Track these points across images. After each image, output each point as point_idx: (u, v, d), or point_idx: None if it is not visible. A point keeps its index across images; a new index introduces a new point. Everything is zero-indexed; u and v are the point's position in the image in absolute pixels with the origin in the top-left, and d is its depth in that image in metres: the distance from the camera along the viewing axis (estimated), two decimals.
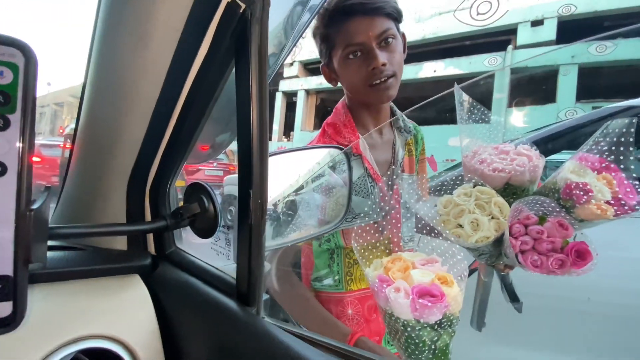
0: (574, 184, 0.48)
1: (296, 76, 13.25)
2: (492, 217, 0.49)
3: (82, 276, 0.44)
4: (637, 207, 0.47)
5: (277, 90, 13.35)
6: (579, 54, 8.78)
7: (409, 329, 0.40)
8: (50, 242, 0.46)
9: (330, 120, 0.71)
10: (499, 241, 0.49)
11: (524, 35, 9.95)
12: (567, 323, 1.21)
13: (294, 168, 0.63)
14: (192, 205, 0.44)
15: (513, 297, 0.65)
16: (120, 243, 0.50)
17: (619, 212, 0.47)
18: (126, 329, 0.40)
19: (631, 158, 0.51)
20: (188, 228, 0.46)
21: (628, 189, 0.48)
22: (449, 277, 0.41)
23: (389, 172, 0.68)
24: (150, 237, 0.51)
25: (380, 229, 0.47)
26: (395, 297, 0.39)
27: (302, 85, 13.05)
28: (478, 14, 10.52)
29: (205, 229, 0.44)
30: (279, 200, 0.66)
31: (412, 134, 0.75)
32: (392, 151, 0.72)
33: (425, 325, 0.39)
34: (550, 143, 1.50)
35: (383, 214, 0.46)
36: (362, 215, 0.48)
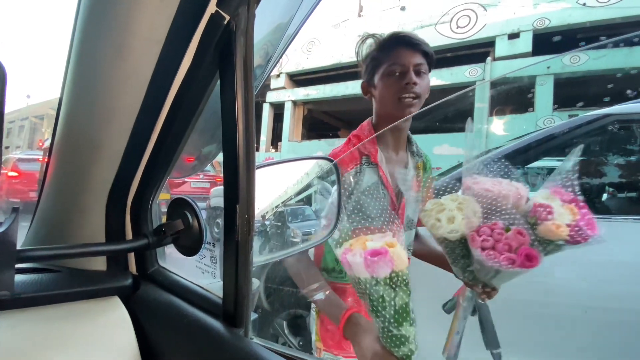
0: (540, 204, 0.59)
1: (283, 87, 13.34)
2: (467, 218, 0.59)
3: (56, 301, 0.41)
4: (593, 239, 0.56)
5: (265, 101, 13.38)
6: (554, 65, 9.19)
7: (367, 286, 0.49)
8: (21, 265, 0.43)
9: (356, 132, 0.85)
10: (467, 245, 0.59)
11: (502, 47, 10.36)
12: (553, 327, 1.22)
13: (283, 179, 0.62)
14: (175, 221, 0.42)
15: (492, 343, 0.72)
16: (99, 263, 0.47)
17: (574, 236, 0.56)
18: (104, 355, 0.37)
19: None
20: (172, 245, 0.45)
21: (589, 222, 0.58)
22: (395, 242, 0.50)
23: (399, 186, 0.77)
24: (131, 256, 0.49)
25: (381, 230, 0.54)
26: (353, 259, 0.49)
27: (289, 96, 13.13)
28: (458, 27, 10.92)
29: (190, 247, 0.42)
30: (267, 212, 0.65)
31: (422, 159, 0.88)
32: (404, 169, 0.83)
33: (379, 280, 0.48)
34: (531, 151, 1.55)
35: (388, 220, 0.53)
36: (370, 217, 0.55)
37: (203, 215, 0.42)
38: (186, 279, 0.47)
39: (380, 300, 0.48)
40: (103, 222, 0.45)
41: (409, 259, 0.59)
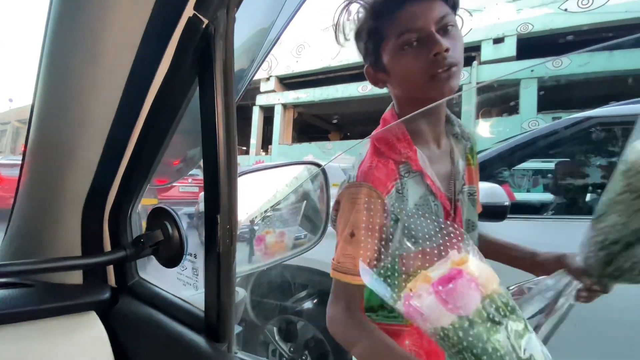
0: None
1: (273, 90, 13.32)
2: None
3: (29, 317, 0.39)
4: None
5: (254, 104, 13.33)
6: (537, 69, 9.45)
7: (460, 334, 0.33)
8: None
9: (379, 135, 0.61)
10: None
11: (487, 51, 10.59)
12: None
13: (272, 184, 0.61)
14: (155, 232, 0.40)
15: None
16: (75, 276, 0.45)
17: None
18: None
19: None
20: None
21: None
22: (465, 257, 0.36)
23: (450, 187, 0.60)
24: (110, 269, 0.47)
25: (441, 253, 0.41)
26: (420, 302, 0.35)
27: (279, 99, 13.11)
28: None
29: (170, 258, 0.41)
30: (256, 217, 0.63)
31: (469, 141, 0.65)
32: (451, 162, 0.62)
33: (472, 319, 0.33)
34: (517, 153, 1.57)
35: (446, 235, 0.41)
36: (422, 239, 0.42)
37: (193, 219, 0.40)
38: (167, 292, 0.45)
39: (490, 350, 0.32)
40: (78, 234, 0.43)
41: None
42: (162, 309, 0.42)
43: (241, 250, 0.55)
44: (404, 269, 0.40)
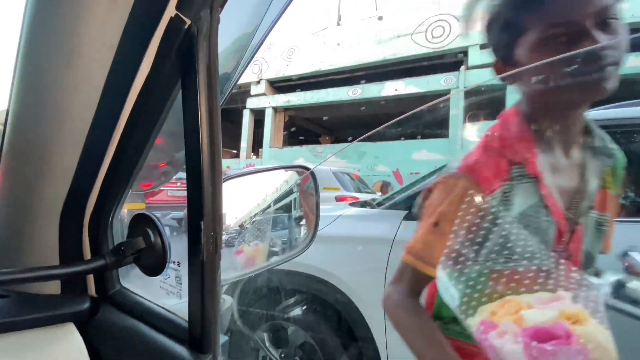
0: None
1: (263, 94, 13.29)
2: None
3: (4, 329, 0.37)
4: None
5: (245, 107, 13.27)
6: None
7: None
8: None
9: (496, 131, 0.54)
10: None
11: (474, 57, 10.80)
12: None
13: (261, 188, 0.60)
14: (136, 239, 0.39)
15: None
16: (52, 287, 0.43)
17: None
18: None
19: None
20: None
21: None
22: (582, 314, 0.30)
23: (572, 206, 0.51)
24: (90, 278, 0.45)
25: (544, 280, 0.36)
26: (501, 344, 0.30)
27: (269, 102, 13.09)
28: (433, 37, 11.30)
29: (152, 266, 0.39)
30: (245, 221, 0.62)
31: (612, 159, 0.55)
32: (580, 178, 0.53)
33: None
34: None
35: (554, 260, 0.35)
36: (521, 256, 0.37)
37: (182, 224, 0.39)
38: (150, 301, 0.43)
39: None
40: (56, 242, 0.41)
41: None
42: (145, 319, 0.40)
43: (229, 257, 0.54)
44: (491, 283, 0.35)
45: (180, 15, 0.28)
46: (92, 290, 0.45)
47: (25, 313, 0.39)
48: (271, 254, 0.58)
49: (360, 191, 4.98)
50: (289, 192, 0.64)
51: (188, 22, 0.28)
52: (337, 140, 12.90)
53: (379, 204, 1.71)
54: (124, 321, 0.41)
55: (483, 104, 10.51)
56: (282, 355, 1.59)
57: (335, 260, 1.49)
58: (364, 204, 1.88)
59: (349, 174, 5.36)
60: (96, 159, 0.37)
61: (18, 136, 0.38)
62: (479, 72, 10.25)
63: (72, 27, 0.28)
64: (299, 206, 0.68)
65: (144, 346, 0.37)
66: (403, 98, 11.43)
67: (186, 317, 0.37)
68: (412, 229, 1.45)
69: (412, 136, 10.85)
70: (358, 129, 12.31)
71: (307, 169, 0.62)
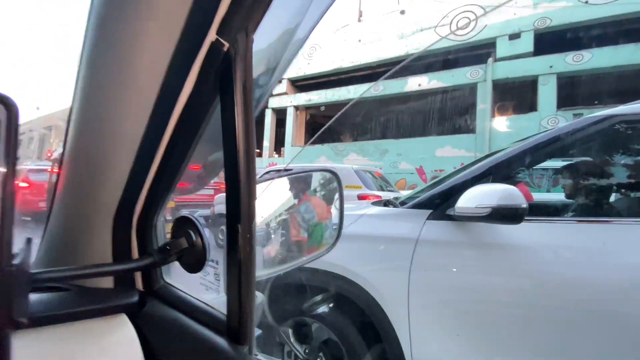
0: None
1: (285, 93, 13.43)
2: None
3: (66, 319, 0.42)
4: None
5: (267, 107, 13.47)
6: (556, 64, 9.16)
7: None
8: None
9: None
10: None
11: (503, 48, 10.35)
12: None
13: (287, 190, 0.63)
14: (179, 240, 0.43)
15: None
16: (107, 281, 0.48)
17: None
18: None
19: None
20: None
21: None
22: None
23: None
24: (138, 273, 0.50)
25: None
26: None
27: (291, 101, 13.21)
28: (458, 29, 10.93)
29: (194, 264, 0.43)
30: (271, 220, 0.65)
31: None
32: None
33: None
34: (537, 152, 1.54)
35: None
36: None
37: (209, 221, 0.42)
38: (191, 295, 0.47)
39: None
40: (110, 242, 0.46)
41: None
42: (187, 312, 0.44)
43: (259, 255, 0.57)
44: None
45: (220, 39, 0.31)
46: (139, 285, 0.50)
47: (85, 305, 0.44)
48: (298, 253, 0.61)
49: (383, 189, 4.94)
50: (315, 194, 0.67)
51: (227, 45, 0.31)
52: (358, 137, 12.80)
53: (402, 203, 1.71)
54: (169, 313, 0.45)
55: (512, 96, 10.06)
56: (307, 350, 1.63)
57: (358, 258, 1.51)
58: (386, 203, 1.88)
59: (371, 172, 5.33)
60: (145, 167, 0.41)
61: (78, 146, 0.43)
62: (508, 64, 9.82)
63: (128, 49, 0.32)
64: (324, 207, 0.71)
65: (187, 336, 0.41)
66: (427, 93, 11.16)
67: (223, 310, 0.40)
68: (437, 229, 1.44)
69: (437, 132, 10.59)
70: (380, 126, 12.16)
71: (333, 172, 0.64)
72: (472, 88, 10.46)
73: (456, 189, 1.44)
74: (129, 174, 0.41)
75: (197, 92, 0.35)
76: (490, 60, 10.27)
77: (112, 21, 0.32)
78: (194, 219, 0.43)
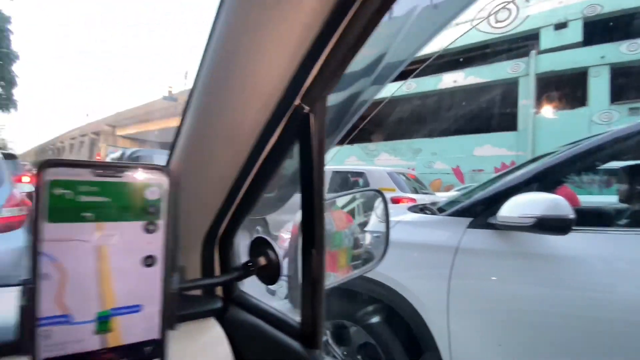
0: None
1: None
2: None
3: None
4: None
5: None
6: (609, 55, 8.43)
7: None
8: None
9: None
10: None
11: (548, 39, 9.70)
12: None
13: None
14: (259, 258, 0.51)
15: None
16: (197, 290, 0.58)
17: None
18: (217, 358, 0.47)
19: None
20: None
21: None
22: None
23: None
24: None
25: None
26: None
27: None
28: (497, 21, 10.42)
29: (270, 278, 0.51)
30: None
31: None
32: None
33: None
34: (591, 157, 1.45)
35: None
36: None
37: None
38: (264, 302, 0.56)
39: None
40: (199, 259, 0.56)
41: None
42: (263, 317, 0.53)
43: None
44: None
45: (302, 104, 0.39)
46: (219, 293, 0.59)
47: (181, 310, 0.54)
48: (352, 266, 0.67)
49: (417, 192, 4.87)
50: (362, 210, 0.73)
51: (307, 108, 0.39)
52: (389, 137, 12.61)
53: (441, 210, 1.72)
54: (248, 318, 0.54)
55: (558, 90, 9.39)
56: (345, 353, 1.69)
57: (395, 265, 1.54)
58: (423, 209, 1.89)
59: (404, 173, 5.27)
60: (234, 197, 0.50)
61: (183, 179, 0.52)
62: (554, 56, 9.19)
63: (235, 105, 0.41)
64: (372, 222, 0.77)
65: (265, 339, 0.50)
66: (462, 89, 10.74)
67: (291, 315, 0.48)
68: (478, 237, 1.44)
69: (475, 130, 10.16)
70: (411, 125, 11.90)
71: (378, 191, 0.71)
72: (513, 83, 9.92)
73: (498, 196, 1.42)
74: (221, 203, 0.50)
75: (280, 141, 0.43)
76: (533, 52, 9.68)
77: (220, 89, 0.41)
78: (270, 241, 0.51)
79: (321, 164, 0.41)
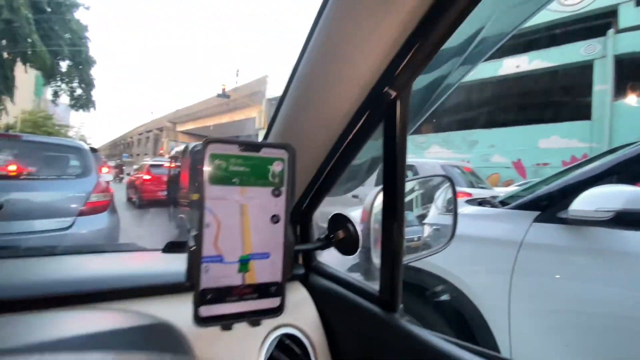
0: None
1: None
2: None
3: None
4: None
5: None
6: None
7: None
8: None
9: None
10: None
11: (628, 15, 8.45)
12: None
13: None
14: (339, 232, 0.58)
15: None
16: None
17: None
18: (302, 320, 0.55)
19: None
20: None
21: None
22: None
23: None
24: (299, 253, 0.67)
25: None
26: None
27: None
28: None
29: (349, 250, 0.58)
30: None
31: None
32: None
33: None
34: None
35: None
36: None
37: None
38: (340, 271, 0.62)
39: None
40: None
41: None
42: (341, 284, 0.59)
43: None
44: None
45: (389, 91, 0.44)
46: (299, 262, 0.67)
47: None
48: (418, 248, 0.71)
49: (473, 186, 4.63)
50: (429, 196, 0.76)
51: (394, 94, 0.44)
52: (439, 129, 11.99)
53: (503, 203, 1.65)
54: (328, 284, 0.61)
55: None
56: None
57: (453, 258, 1.51)
58: (482, 202, 1.82)
59: (459, 166, 5.03)
60: (319, 176, 0.57)
61: None
62: (634, 35, 7.97)
63: (331, 88, 0.47)
64: (431, 215, 0.80)
65: (345, 303, 0.56)
66: (526, 75, 9.81)
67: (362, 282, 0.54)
68: (546, 232, 1.36)
69: (540, 120, 9.25)
70: (459, 114, 11.17)
71: (448, 177, 0.73)
72: (587, 66, 8.84)
73: (571, 189, 1.33)
74: (308, 182, 0.57)
75: (365, 126, 0.49)
76: (610, 31, 8.51)
77: (319, 78, 0.47)
78: (349, 217, 0.57)
79: (403, 147, 0.46)
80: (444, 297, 1.54)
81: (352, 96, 0.46)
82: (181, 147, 6.84)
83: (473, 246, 1.51)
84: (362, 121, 0.48)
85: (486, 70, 10.14)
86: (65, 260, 0.64)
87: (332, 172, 0.57)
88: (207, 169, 0.33)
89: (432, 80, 0.51)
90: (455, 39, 0.40)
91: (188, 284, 0.35)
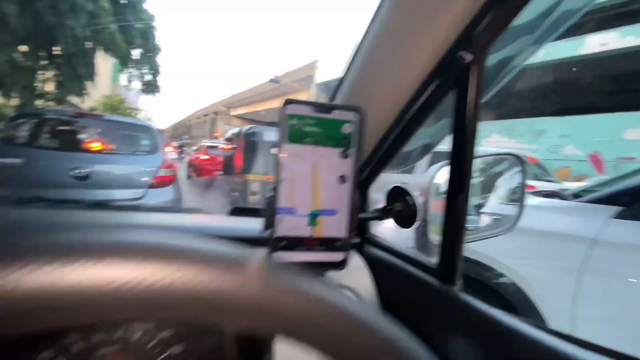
0: None
1: None
2: None
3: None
4: None
5: None
6: None
7: None
8: None
9: None
10: None
11: None
12: None
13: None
14: (397, 203, 0.58)
15: None
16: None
17: None
18: (359, 287, 0.57)
19: None
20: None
21: None
22: None
23: None
24: None
25: None
26: None
27: None
28: None
29: (407, 222, 0.58)
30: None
31: None
32: None
33: None
34: None
35: None
36: None
37: None
38: (395, 245, 0.63)
39: None
40: None
41: None
42: (397, 255, 0.60)
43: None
44: None
45: (463, 55, 0.42)
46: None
47: None
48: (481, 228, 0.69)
49: (537, 179, 4.21)
50: (494, 177, 0.72)
51: (469, 58, 0.42)
52: (498, 116, 10.90)
53: (576, 196, 1.49)
54: (382, 255, 0.62)
55: None
56: None
57: (511, 251, 1.42)
58: (549, 195, 1.66)
59: (517, 155, 4.58)
60: (382, 145, 0.57)
61: None
62: None
63: (401, 51, 0.47)
64: (491, 203, 0.75)
65: (401, 273, 0.57)
66: (616, 55, 8.48)
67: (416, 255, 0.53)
68: (628, 230, 1.21)
69: (626, 107, 7.98)
70: (536, 101, 10.04)
71: (517, 155, 0.68)
72: None
73: None
74: (372, 149, 0.58)
75: (435, 93, 0.47)
76: None
77: (392, 39, 0.47)
78: (408, 189, 0.57)
79: (476, 117, 0.44)
80: (499, 290, 1.46)
81: (425, 58, 0.44)
82: (235, 130, 7.22)
83: (536, 239, 1.40)
84: (433, 87, 0.47)
85: (563, 49, 8.94)
86: (149, 215, 0.73)
87: (397, 141, 0.56)
88: (285, 127, 0.36)
89: (497, 61, 0.48)
90: (528, 14, 0.39)
91: (262, 235, 0.38)
